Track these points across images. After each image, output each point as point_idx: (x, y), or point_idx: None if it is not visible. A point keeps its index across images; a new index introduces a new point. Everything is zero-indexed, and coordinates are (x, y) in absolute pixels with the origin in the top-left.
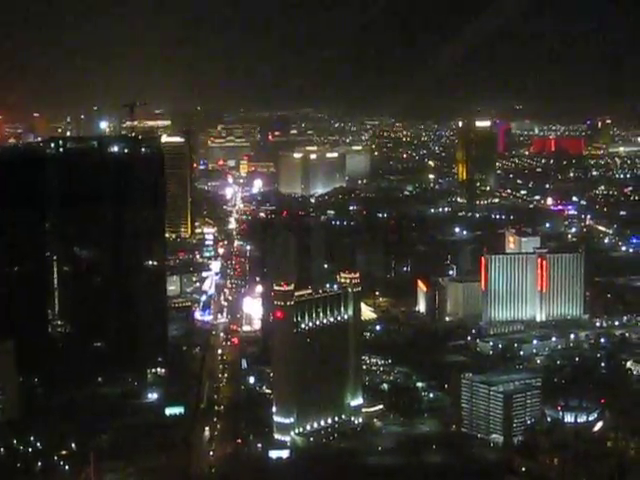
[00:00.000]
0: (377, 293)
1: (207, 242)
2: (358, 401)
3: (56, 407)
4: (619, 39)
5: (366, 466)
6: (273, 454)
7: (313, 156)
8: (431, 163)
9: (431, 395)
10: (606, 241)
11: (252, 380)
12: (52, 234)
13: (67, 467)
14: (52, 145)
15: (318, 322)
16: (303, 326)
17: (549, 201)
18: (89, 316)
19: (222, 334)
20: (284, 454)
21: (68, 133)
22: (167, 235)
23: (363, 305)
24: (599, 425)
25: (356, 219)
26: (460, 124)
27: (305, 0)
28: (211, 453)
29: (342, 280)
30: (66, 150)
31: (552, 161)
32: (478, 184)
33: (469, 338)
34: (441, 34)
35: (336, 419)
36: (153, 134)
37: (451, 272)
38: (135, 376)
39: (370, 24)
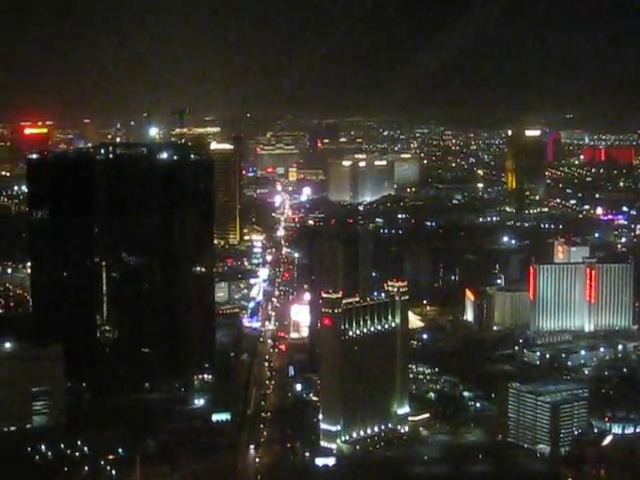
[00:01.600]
0: (425, 302)
1: (255, 249)
2: (405, 409)
3: (103, 412)
4: None
5: (412, 475)
6: (319, 461)
7: (362, 164)
8: (480, 172)
9: (478, 404)
10: None
11: (299, 387)
12: (101, 240)
13: (114, 472)
14: (102, 151)
15: (365, 330)
16: (350, 334)
17: (599, 211)
18: (137, 322)
19: (270, 341)
20: (330, 462)
21: (118, 139)
22: (216, 242)
23: (410, 313)
24: None
25: (404, 227)
26: (510, 133)
27: (359, 9)
28: (257, 460)
29: (390, 288)
30: (116, 156)
31: (602, 171)
32: (527, 193)
33: (516, 348)
34: (497, 43)
35: (382, 427)
36: (202, 141)
37: (499, 281)
38: (182, 382)
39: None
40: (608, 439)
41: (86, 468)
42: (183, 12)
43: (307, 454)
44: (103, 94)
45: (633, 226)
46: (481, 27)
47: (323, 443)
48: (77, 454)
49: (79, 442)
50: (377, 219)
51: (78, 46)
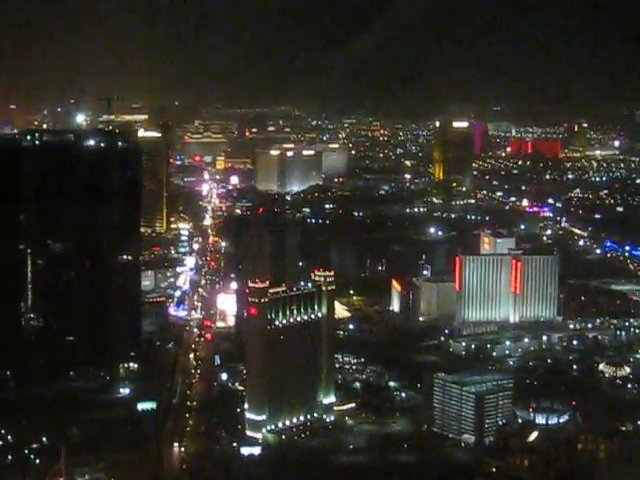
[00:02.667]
0: (351, 292)
1: (182, 238)
2: (330, 399)
3: (27, 401)
4: (598, 43)
5: (336, 464)
6: (245, 451)
7: (290, 153)
8: (408, 163)
9: (403, 394)
10: (581, 244)
11: (225, 376)
12: (26, 227)
13: (38, 461)
14: (28, 137)
15: (292, 320)
16: (277, 323)
17: (525, 203)
18: (62, 310)
19: (196, 330)
20: (256, 451)
21: (45, 126)
22: (142, 230)
23: (337, 303)
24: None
25: (332, 217)
26: (437, 124)
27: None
28: (182, 449)
29: (316, 278)
30: (42, 142)
31: (528, 163)
32: (454, 185)
33: (442, 338)
34: (423, 35)
35: (308, 417)
36: (130, 128)
37: (425, 272)
38: (107, 371)
39: (345, 24)
40: (534, 435)
41: (9, 457)
42: None
43: (232, 443)
44: (29, 80)
45: (558, 218)
46: (409, 19)
47: (249, 432)
48: (0, 443)
49: (2, 431)
50: (304, 209)
51: (2, 31)
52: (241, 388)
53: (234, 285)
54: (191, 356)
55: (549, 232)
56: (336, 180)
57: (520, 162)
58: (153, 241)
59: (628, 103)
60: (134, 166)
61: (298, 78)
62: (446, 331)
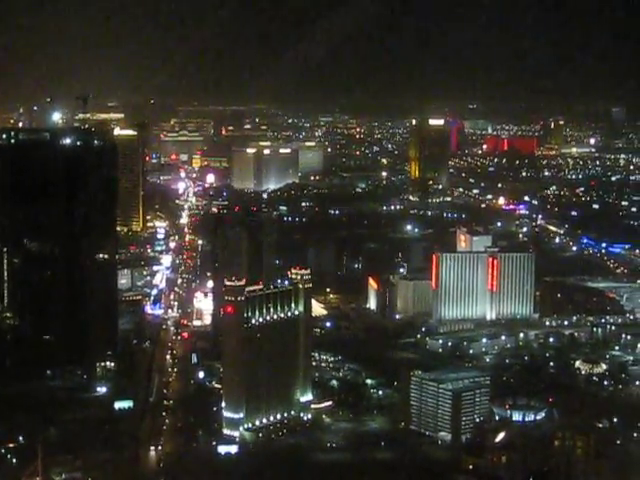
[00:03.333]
0: (328, 290)
1: (158, 236)
2: (307, 397)
3: (4, 400)
4: (573, 39)
5: (314, 462)
6: (222, 449)
7: (266, 151)
8: (384, 161)
9: (380, 392)
10: (557, 241)
11: (202, 375)
12: (2, 225)
13: (15, 460)
14: (3, 136)
15: (269, 318)
16: (253, 321)
17: (501, 200)
18: (38, 309)
19: (173, 328)
20: (233, 449)
21: (20, 124)
22: (118, 228)
23: (314, 301)
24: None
25: (308, 215)
26: (414, 122)
27: None
28: (159, 447)
29: (293, 276)
30: (18, 141)
31: (504, 161)
32: (430, 182)
33: (419, 336)
34: (399, 33)
35: (285, 415)
36: (106, 127)
37: (402, 270)
38: (84, 370)
39: (319, 21)
40: (501, 435)
41: None
42: None
43: (210, 442)
44: (5, 78)
45: (534, 216)
46: (384, 15)
47: (226, 431)
48: None
49: None
50: (281, 207)
51: None
52: (218, 386)
53: (211, 283)
54: (168, 355)
55: (525, 229)
56: (312, 178)
57: (496, 160)
58: (129, 240)
59: (604, 100)
60: (110, 165)
61: (273, 75)
62: (423, 329)
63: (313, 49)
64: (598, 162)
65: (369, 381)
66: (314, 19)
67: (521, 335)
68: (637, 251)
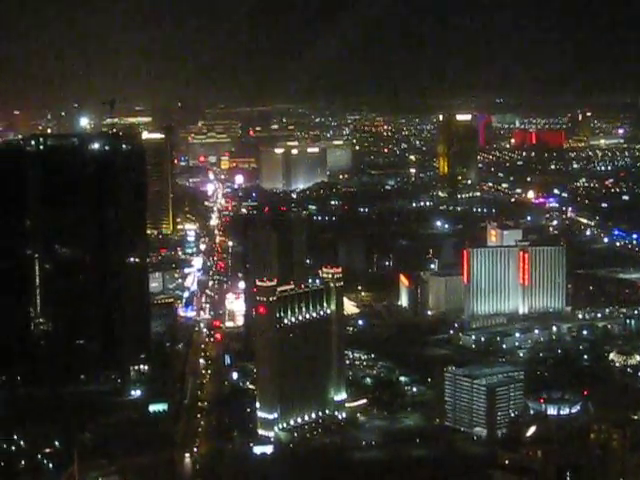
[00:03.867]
0: (359, 288)
1: (189, 238)
2: (341, 396)
3: (39, 406)
4: (600, 30)
5: (350, 461)
6: (257, 450)
7: (294, 151)
8: (412, 157)
9: (414, 389)
10: (588, 233)
11: (235, 376)
12: (33, 232)
13: (51, 466)
14: (33, 142)
15: (301, 317)
16: (286, 321)
17: (530, 194)
18: (71, 314)
19: (205, 330)
20: (268, 450)
21: (49, 130)
22: (148, 232)
23: (345, 300)
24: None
25: (337, 214)
26: (441, 118)
27: None
28: (195, 449)
29: (324, 275)
30: (47, 147)
31: (533, 154)
32: (459, 178)
33: (452, 332)
34: (425, 29)
35: (320, 414)
36: (134, 131)
37: (433, 266)
38: (118, 373)
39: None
40: (536, 430)
41: (22, 462)
42: (113, 1)
43: (245, 443)
44: (33, 85)
45: (564, 209)
46: (410, 12)
47: (261, 431)
48: (13, 448)
49: (15, 436)
50: (310, 206)
51: (5, 36)
52: (252, 387)
53: (242, 284)
54: (201, 356)
55: (555, 223)
56: (341, 176)
57: (524, 153)
58: (160, 243)
59: (632, 91)
60: (139, 168)
61: (300, 75)
62: (455, 324)
63: (339, 47)
64: (627, 153)
65: (403, 378)
66: (340, 17)
67: (554, 328)
68: None
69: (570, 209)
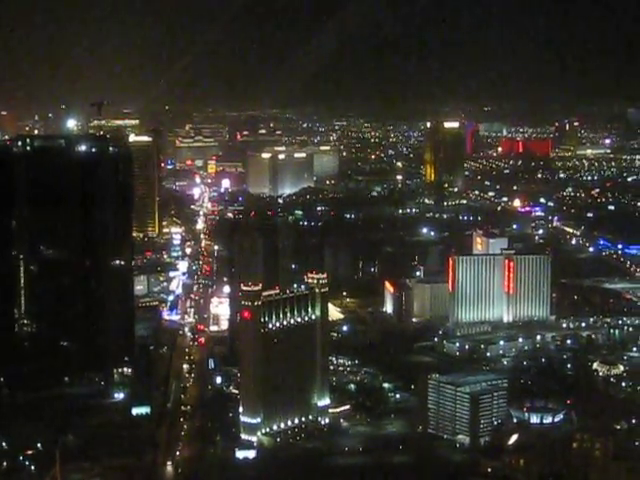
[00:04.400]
0: (344, 294)
1: (174, 242)
2: (325, 401)
3: (22, 406)
4: (588, 40)
5: (332, 466)
6: (240, 454)
7: (281, 156)
8: (399, 164)
9: (398, 396)
10: (573, 243)
11: (219, 380)
12: (19, 233)
13: (33, 467)
14: (19, 143)
15: (285, 322)
16: (270, 326)
17: (517, 203)
18: (55, 315)
19: (189, 334)
20: (250, 454)
21: (36, 131)
22: (134, 234)
23: (330, 305)
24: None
25: (324, 219)
26: (428, 125)
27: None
28: (177, 453)
29: (309, 280)
30: (34, 148)
31: (520, 163)
32: (446, 185)
33: (436, 339)
34: (414, 36)
35: (303, 419)
36: (121, 133)
37: (418, 273)
38: (101, 376)
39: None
40: (519, 438)
41: (4, 463)
42: (101, 4)
43: (228, 447)
44: (20, 85)
45: (550, 218)
46: (396, 19)
47: (243, 436)
48: None
49: None
50: (296, 211)
51: None
52: (235, 391)
53: (227, 289)
54: (185, 360)
55: (541, 231)
56: (328, 182)
57: (511, 162)
58: (145, 246)
59: (619, 101)
60: (125, 171)
61: (287, 80)
62: (440, 332)
63: (326, 53)
64: (614, 163)
65: (386, 385)
66: (327, 23)
67: (538, 337)
68: None
69: (556, 218)
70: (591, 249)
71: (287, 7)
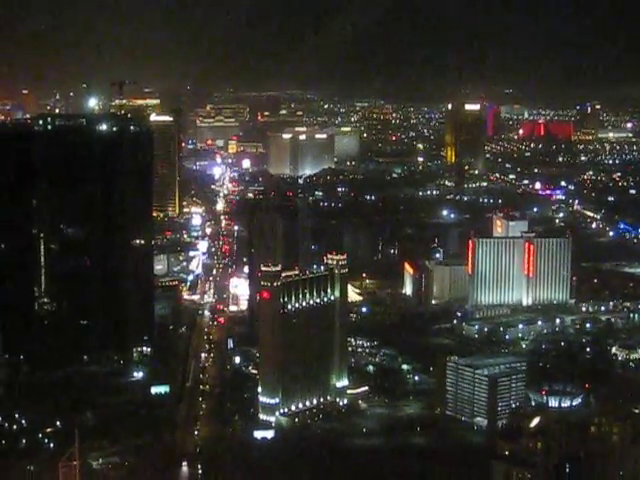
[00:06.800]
0: (364, 275)
1: (194, 222)
2: (343, 382)
3: (41, 385)
4: (610, 23)
5: (349, 447)
6: (258, 434)
7: (302, 137)
8: (420, 146)
9: (416, 377)
10: (593, 226)
11: (238, 360)
12: (39, 211)
13: (52, 445)
14: (41, 122)
15: (305, 303)
16: (289, 307)
17: (537, 185)
18: (76, 294)
19: (209, 314)
20: (269, 434)
21: (57, 110)
22: (155, 214)
23: (350, 287)
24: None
25: (344, 201)
26: (450, 107)
27: None
28: (196, 432)
29: (329, 261)
30: (55, 127)
31: (541, 146)
32: (467, 167)
33: (455, 321)
34: (435, 17)
35: (321, 400)
36: (142, 112)
37: (438, 255)
38: (121, 355)
39: (362, 8)
40: (537, 421)
41: (23, 441)
42: None
43: (246, 427)
44: (42, 64)
45: (571, 201)
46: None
47: (262, 416)
48: (14, 427)
49: (16, 415)
50: (317, 192)
51: (14, 15)
52: (254, 372)
53: (247, 269)
54: (204, 340)
55: (562, 215)
56: (348, 163)
57: (532, 144)
58: (166, 225)
59: None
60: (146, 150)
61: (309, 60)
62: (459, 314)
63: (349, 34)
64: (635, 147)
65: (405, 366)
66: (351, 3)
67: (557, 321)
68: None
69: (577, 202)
70: (611, 233)
71: None
